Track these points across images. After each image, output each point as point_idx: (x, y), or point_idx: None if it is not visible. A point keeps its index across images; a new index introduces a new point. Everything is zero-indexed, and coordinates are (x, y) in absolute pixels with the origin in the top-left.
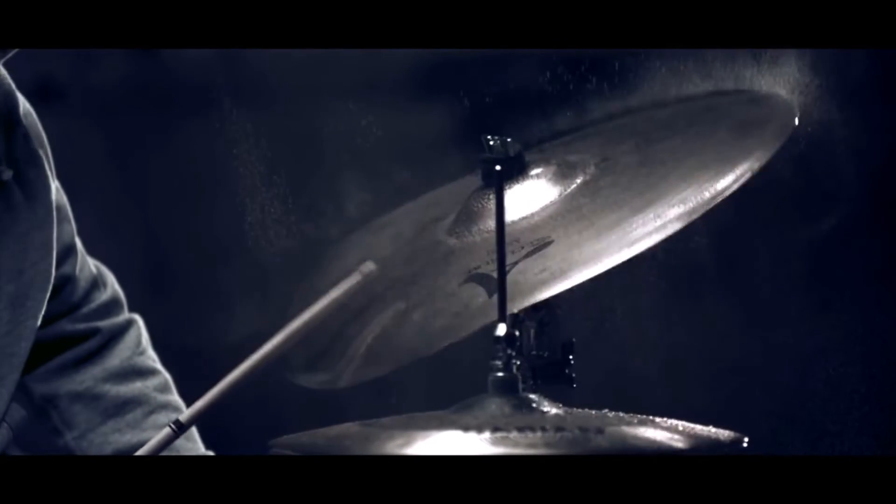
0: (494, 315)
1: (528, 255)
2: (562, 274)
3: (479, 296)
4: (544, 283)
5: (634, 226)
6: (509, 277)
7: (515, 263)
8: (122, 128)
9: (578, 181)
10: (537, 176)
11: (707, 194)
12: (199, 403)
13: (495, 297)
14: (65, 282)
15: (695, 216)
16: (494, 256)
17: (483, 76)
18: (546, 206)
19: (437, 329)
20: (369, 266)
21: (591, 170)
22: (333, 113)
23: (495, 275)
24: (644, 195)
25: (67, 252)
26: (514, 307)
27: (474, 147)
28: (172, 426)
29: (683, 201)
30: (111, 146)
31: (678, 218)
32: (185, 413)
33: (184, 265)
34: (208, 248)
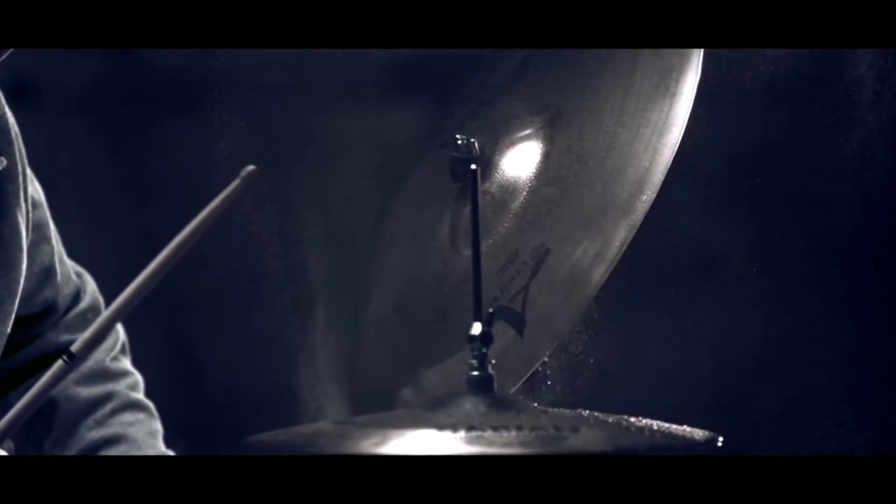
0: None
1: (533, 276)
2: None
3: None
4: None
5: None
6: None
7: (526, 287)
8: (103, 127)
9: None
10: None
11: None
12: (89, 332)
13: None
14: (47, 306)
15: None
16: (503, 277)
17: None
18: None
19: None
20: (248, 169)
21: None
22: (316, 111)
23: (513, 305)
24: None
25: (47, 275)
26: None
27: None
28: (64, 358)
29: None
30: (93, 146)
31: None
32: (77, 343)
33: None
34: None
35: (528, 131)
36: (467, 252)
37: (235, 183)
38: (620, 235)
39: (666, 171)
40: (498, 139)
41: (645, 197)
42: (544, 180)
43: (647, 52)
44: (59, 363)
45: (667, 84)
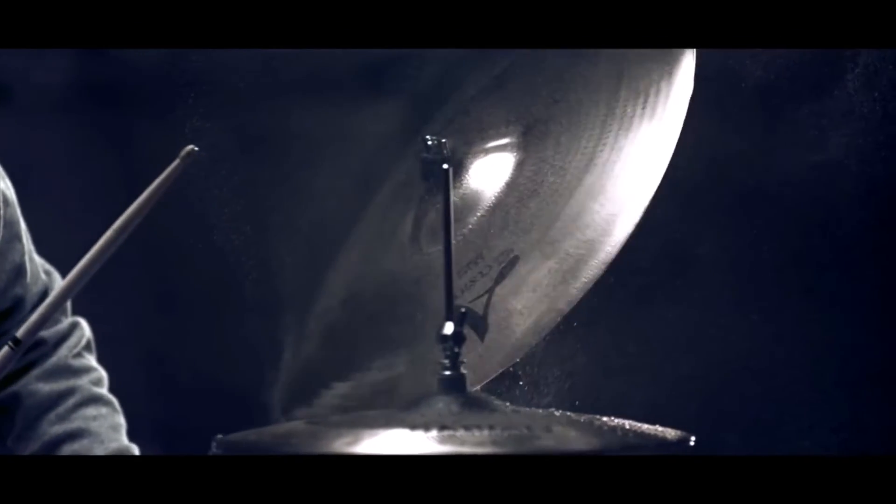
0: None
1: (499, 281)
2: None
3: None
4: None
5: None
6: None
7: (491, 290)
8: (73, 126)
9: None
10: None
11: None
12: (34, 317)
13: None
14: (15, 303)
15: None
16: (468, 278)
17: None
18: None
19: None
20: (187, 149)
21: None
22: (289, 111)
23: (475, 307)
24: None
25: (18, 274)
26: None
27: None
28: (10, 343)
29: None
30: (63, 144)
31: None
32: (21, 329)
33: (136, 265)
34: (163, 248)
35: (502, 140)
36: (430, 250)
37: (175, 163)
38: (599, 256)
39: (651, 194)
40: (472, 145)
41: (624, 219)
42: (516, 188)
43: (633, 71)
44: (5, 349)
45: (654, 108)
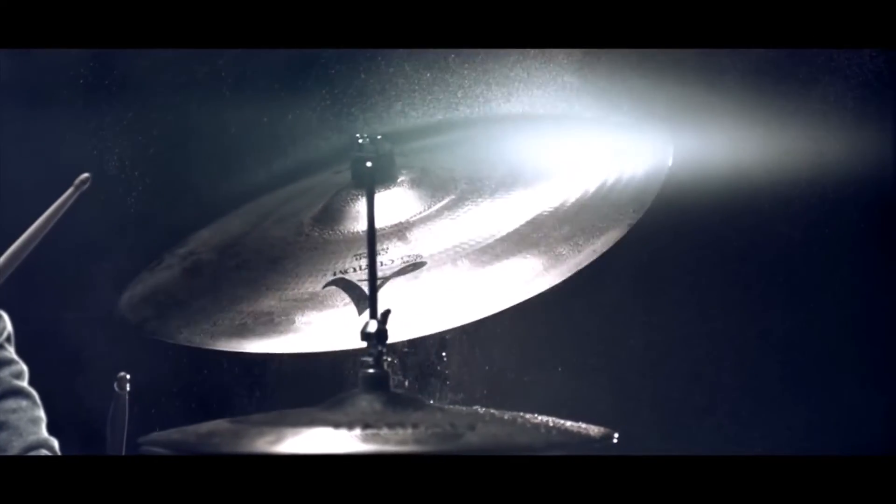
0: None
1: (399, 273)
2: None
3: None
4: None
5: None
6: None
7: (387, 279)
8: None
9: (447, 199)
10: (405, 184)
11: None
12: None
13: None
14: None
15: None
16: (360, 259)
17: (351, 73)
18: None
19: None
20: (82, 177)
21: (460, 188)
22: (203, 108)
23: (358, 281)
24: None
25: None
26: None
27: (345, 144)
28: None
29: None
30: None
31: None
32: None
33: (52, 259)
34: (80, 241)
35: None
36: (326, 236)
37: (69, 191)
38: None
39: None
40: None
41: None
42: (442, 208)
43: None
44: None
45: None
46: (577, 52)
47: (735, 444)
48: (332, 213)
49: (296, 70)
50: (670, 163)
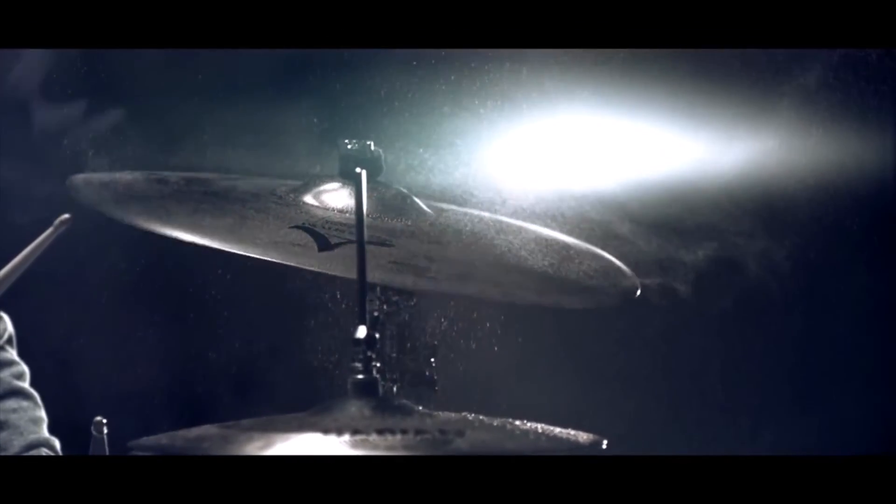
0: None
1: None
2: None
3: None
4: None
5: None
6: None
7: (344, 242)
8: None
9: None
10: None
11: None
12: None
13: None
14: None
15: None
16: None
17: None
18: None
19: None
20: (62, 218)
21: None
22: (190, 111)
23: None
24: None
25: None
26: None
27: (332, 148)
28: None
29: None
30: None
31: None
32: None
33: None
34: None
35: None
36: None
37: (48, 231)
38: None
39: None
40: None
41: None
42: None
43: None
44: None
45: None
46: None
47: (738, 444)
48: (308, 188)
49: (289, 73)
50: None
